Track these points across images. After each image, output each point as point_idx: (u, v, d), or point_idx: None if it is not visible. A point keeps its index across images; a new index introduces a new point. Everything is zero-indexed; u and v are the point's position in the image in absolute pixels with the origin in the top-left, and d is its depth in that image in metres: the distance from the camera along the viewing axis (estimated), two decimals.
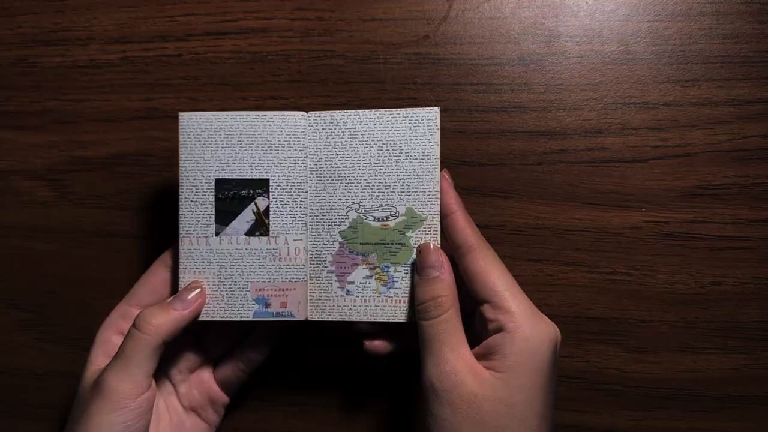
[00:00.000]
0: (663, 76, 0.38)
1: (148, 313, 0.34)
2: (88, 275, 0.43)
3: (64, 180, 0.43)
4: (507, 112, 0.39)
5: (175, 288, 0.36)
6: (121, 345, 0.34)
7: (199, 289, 0.35)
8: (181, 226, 0.36)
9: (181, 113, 0.35)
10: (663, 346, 0.38)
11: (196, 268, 0.35)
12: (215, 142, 0.35)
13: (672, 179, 0.38)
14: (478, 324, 0.33)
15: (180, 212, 0.36)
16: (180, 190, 0.36)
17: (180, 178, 0.36)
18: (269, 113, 0.35)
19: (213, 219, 0.35)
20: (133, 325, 0.33)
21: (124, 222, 0.42)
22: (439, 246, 0.34)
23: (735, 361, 0.38)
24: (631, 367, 0.39)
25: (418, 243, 0.34)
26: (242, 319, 0.35)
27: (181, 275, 0.35)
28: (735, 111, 0.37)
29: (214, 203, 0.35)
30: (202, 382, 0.38)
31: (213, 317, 0.35)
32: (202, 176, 0.35)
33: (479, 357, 0.31)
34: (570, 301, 0.39)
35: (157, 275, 0.37)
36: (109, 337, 0.36)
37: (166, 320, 0.33)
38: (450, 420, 0.30)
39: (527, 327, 0.30)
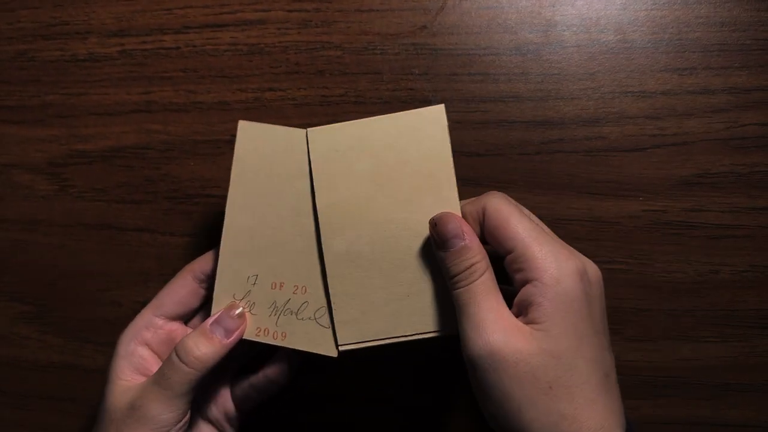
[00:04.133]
0: (660, 65, 0.38)
1: (191, 343, 0.33)
2: (88, 268, 0.43)
3: (64, 173, 0.43)
4: (504, 102, 0.39)
5: (209, 304, 0.35)
6: (162, 372, 0.33)
7: (240, 310, 0.34)
8: (225, 233, 0.34)
9: (240, 122, 0.34)
10: (661, 335, 0.38)
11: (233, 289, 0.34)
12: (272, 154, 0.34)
13: (670, 168, 0.38)
14: (510, 279, 0.31)
15: (225, 218, 0.34)
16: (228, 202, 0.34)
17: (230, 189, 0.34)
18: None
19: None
20: (176, 353, 0.33)
21: (124, 215, 0.42)
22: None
23: (733, 349, 0.38)
24: (630, 355, 0.39)
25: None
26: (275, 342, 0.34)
27: (216, 292, 0.34)
28: (732, 99, 0.37)
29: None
30: (218, 397, 0.37)
31: (248, 336, 0.34)
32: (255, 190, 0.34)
33: (518, 315, 0.29)
34: None
35: (185, 286, 0.36)
36: (134, 349, 0.35)
37: (210, 351, 0.33)
38: (499, 386, 0.28)
39: (553, 269, 0.28)
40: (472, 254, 0.30)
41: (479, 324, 0.29)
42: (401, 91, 0.40)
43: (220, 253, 0.34)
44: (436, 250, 0.31)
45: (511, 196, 0.38)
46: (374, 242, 0.33)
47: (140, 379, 0.34)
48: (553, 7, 0.38)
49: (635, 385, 0.39)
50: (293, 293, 0.34)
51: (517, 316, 0.29)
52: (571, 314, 0.28)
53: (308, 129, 0.33)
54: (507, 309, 0.29)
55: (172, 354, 0.33)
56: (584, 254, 0.38)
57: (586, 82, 0.38)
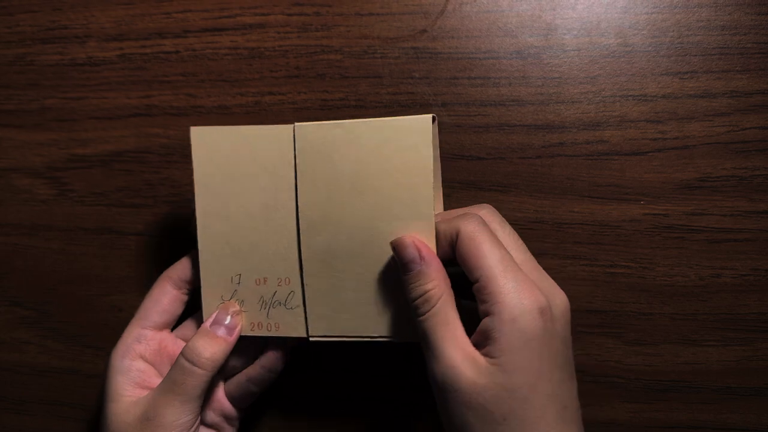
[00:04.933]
0: (661, 69, 0.38)
1: (199, 345, 0.33)
2: (88, 272, 0.43)
3: (63, 178, 0.43)
4: (505, 106, 0.39)
5: (194, 309, 0.36)
6: (173, 379, 0.33)
7: (236, 307, 0.35)
8: (200, 241, 0.35)
9: (192, 128, 0.34)
10: (663, 339, 0.38)
11: (218, 284, 0.35)
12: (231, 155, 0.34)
13: (671, 172, 0.38)
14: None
15: (198, 226, 0.35)
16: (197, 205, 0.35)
17: (196, 192, 0.35)
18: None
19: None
20: (186, 358, 0.33)
21: (123, 219, 0.42)
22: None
23: (734, 352, 0.38)
24: (631, 359, 0.39)
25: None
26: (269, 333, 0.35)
27: (204, 296, 0.35)
28: (733, 103, 0.37)
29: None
30: (213, 401, 0.37)
31: (244, 333, 0.35)
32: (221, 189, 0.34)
33: (477, 344, 0.30)
34: (569, 295, 0.38)
35: (166, 294, 0.36)
36: (130, 364, 0.35)
37: (218, 350, 0.34)
38: (458, 414, 0.29)
39: (513, 306, 0.28)
40: (427, 280, 0.30)
41: (437, 354, 0.29)
42: (401, 95, 0.39)
43: (200, 261, 0.35)
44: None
45: (512, 200, 0.39)
46: (350, 246, 0.33)
47: (143, 392, 0.35)
48: (554, 10, 0.38)
49: (636, 390, 0.39)
50: (278, 286, 0.35)
51: (476, 344, 0.30)
52: (527, 351, 0.28)
53: (296, 124, 0.33)
54: (465, 337, 0.30)
55: (180, 360, 0.33)
56: (586, 258, 0.38)
57: (587, 85, 0.38)
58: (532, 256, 0.32)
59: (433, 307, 0.30)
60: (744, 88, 0.37)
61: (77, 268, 0.43)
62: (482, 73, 0.39)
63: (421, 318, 0.30)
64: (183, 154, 0.42)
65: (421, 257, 0.31)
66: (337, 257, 0.33)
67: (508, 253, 0.30)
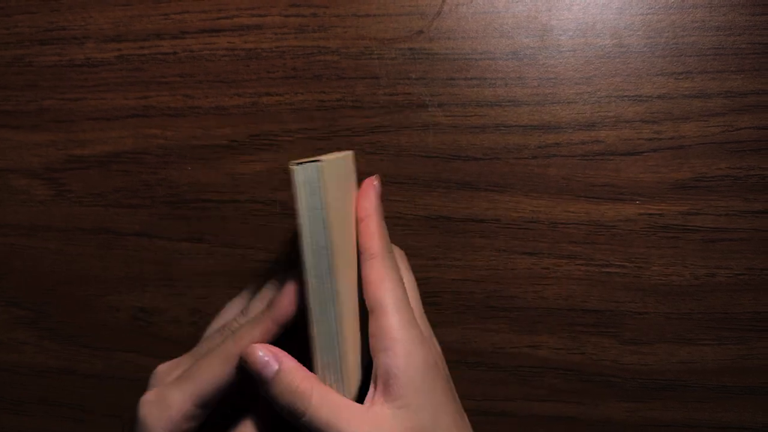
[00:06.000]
0: (656, 69, 0.38)
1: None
2: (86, 273, 0.43)
3: (61, 178, 0.43)
4: (501, 107, 0.39)
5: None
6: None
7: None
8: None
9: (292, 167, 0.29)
10: (658, 338, 0.39)
11: None
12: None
13: (666, 171, 0.38)
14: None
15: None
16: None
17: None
18: None
19: None
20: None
21: (121, 220, 0.42)
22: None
23: (729, 351, 0.38)
24: (627, 358, 0.39)
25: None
26: None
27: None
28: (728, 103, 0.38)
29: None
30: None
31: None
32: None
33: (381, 392, 0.29)
34: (565, 294, 0.39)
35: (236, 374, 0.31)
36: None
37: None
38: None
39: (406, 341, 0.29)
40: (290, 384, 0.29)
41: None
42: (398, 96, 0.40)
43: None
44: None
45: (508, 200, 0.39)
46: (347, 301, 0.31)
47: None
48: (550, 11, 0.39)
49: (632, 389, 0.39)
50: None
51: (379, 391, 0.29)
52: (426, 385, 0.29)
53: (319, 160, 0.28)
54: (355, 407, 0.29)
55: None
56: (581, 258, 0.39)
57: (583, 86, 0.38)
58: (420, 301, 0.34)
59: (311, 401, 0.28)
60: (739, 88, 0.37)
61: (75, 268, 0.43)
62: (478, 74, 0.39)
63: (305, 419, 0.28)
64: (180, 155, 0.42)
65: (275, 359, 0.29)
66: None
67: (406, 295, 0.31)
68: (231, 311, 0.36)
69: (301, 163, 0.28)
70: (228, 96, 0.41)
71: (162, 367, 0.34)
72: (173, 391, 0.31)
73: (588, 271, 0.39)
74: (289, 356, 0.30)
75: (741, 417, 0.38)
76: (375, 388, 0.30)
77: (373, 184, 0.33)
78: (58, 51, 0.43)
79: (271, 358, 0.29)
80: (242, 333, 0.31)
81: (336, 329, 0.30)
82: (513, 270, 0.39)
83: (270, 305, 0.32)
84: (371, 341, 0.30)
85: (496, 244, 0.39)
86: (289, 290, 0.31)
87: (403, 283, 0.31)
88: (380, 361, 0.29)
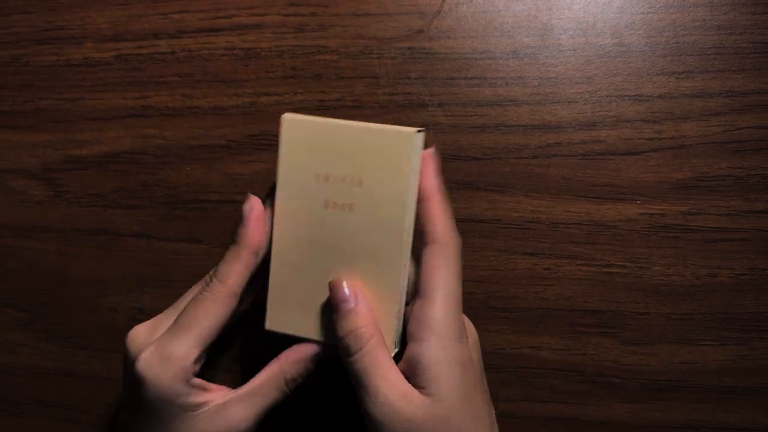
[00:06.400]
0: (657, 68, 0.38)
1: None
2: (84, 274, 0.43)
3: (59, 179, 0.43)
4: (501, 106, 0.39)
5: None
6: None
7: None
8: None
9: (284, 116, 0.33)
10: (659, 338, 0.38)
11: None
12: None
13: (667, 171, 0.38)
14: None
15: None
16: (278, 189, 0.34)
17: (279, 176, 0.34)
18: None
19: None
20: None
21: (119, 220, 0.42)
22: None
23: (731, 352, 0.38)
24: (628, 359, 0.39)
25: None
26: None
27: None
28: (729, 102, 0.37)
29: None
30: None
31: None
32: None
33: (407, 375, 0.31)
34: (566, 294, 0.39)
35: (229, 310, 0.33)
36: (189, 393, 0.32)
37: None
38: None
39: (441, 335, 0.30)
40: (358, 320, 0.31)
41: (371, 393, 0.30)
42: (398, 96, 0.39)
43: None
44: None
45: (508, 200, 0.39)
46: (318, 252, 0.33)
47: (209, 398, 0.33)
48: (550, 10, 0.38)
49: (633, 389, 0.39)
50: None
51: (408, 375, 0.31)
52: (454, 378, 0.30)
53: (285, 114, 0.33)
54: (398, 374, 0.31)
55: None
56: (582, 258, 0.39)
57: (583, 85, 0.38)
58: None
59: (363, 346, 0.31)
60: (740, 87, 0.37)
61: (73, 269, 0.43)
62: (479, 74, 0.39)
63: (351, 358, 0.31)
64: (179, 155, 0.41)
65: (355, 298, 0.32)
66: (303, 256, 0.33)
67: (459, 287, 0.32)
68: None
69: (419, 131, 0.32)
70: (227, 96, 0.41)
71: (139, 331, 0.34)
72: (174, 344, 0.32)
73: (589, 271, 0.39)
74: (367, 300, 0.32)
75: (743, 417, 0.38)
76: (404, 367, 0.31)
77: (432, 159, 0.32)
78: (56, 51, 0.43)
79: (351, 296, 0.32)
80: (224, 272, 0.33)
81: (401, 289, 0.32)
82: (513, 270, 0.39)
83: (239, 239, 0.33)
84: (411, 323, 0.31)
85: (496, 244, 0.39)
86: (255, 220, 0.33)
87: (460, 275, 0.32)
88: (414, 348, 0.31)
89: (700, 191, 0.38)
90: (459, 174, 0.39)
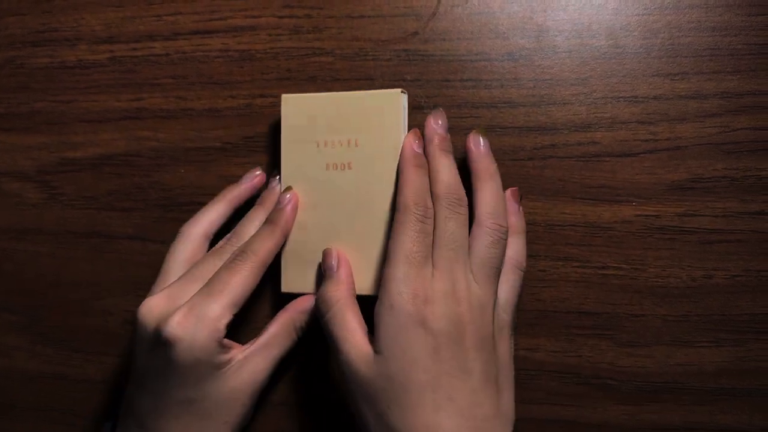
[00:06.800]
0: (652, 70, 0.38)
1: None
2: (78, 277, 0.43)
3: (53, 181, 0.43)
4: (497, 108, 0.39)
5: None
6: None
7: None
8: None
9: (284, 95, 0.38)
10: (655, 340, 0.38)
11: None
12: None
13: (662, 173, 0.38)
14: None
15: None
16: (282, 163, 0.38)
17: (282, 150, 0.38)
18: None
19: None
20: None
21: (114, 223, 0.42)
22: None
23: (727, 353, 0.38)
24: (624, 361, 0.39)
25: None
26: None
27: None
28: (724, 104, 0.37)
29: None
30: None
31: None
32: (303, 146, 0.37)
33: (371, 333, 0.33)
34: (562, 296, 0.39)
35: (257, 280, 0.36)
36: (222, 359, 0.34)
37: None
38: (354, 404, 0.32)
39: (393, 293, 0.31)
40: (330, 286, 0.34)
41: (335, 349, 0.33)
42: None
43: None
44: None
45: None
46: (323, 213, 0.37)
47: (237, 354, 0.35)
48: (545, 12, 0.38)
49: (629, 391, 0.39)
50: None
51: (370, 332, 0.33)
52: (401, 338, 0.31)
53: (284, 95, 0.38)
54: (362, 335, 0.33)
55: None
56: (578, 260, 0.38)
57: (579, 87, 0.38)
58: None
59: (331, 308, 0.34)
60: (735, 89, 0.37)
61: (67, 272, 0.43)
62: (474, 76, 0.39)
63: (323, 319, 0.34)
64: (173, 157, 0.41)
65: (338, 266, 0.35)
66: (313, 223, 0.37)
67: (422, 251, 0.32)
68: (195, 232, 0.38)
69: (403, 92, 0.36)
70: (221, 98, 0.41)
71: (156, 301, 0.35)
72: (211, 305, 0.33)
73: (584, 273, 0.39)
74: (349, 267, 0.36)
75: (739, 419, 0.38)
76: (371, 326, 0.33)
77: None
78: (50, 53, 0.42)
79: (334, 265, 0.35)
80: (258, 246, 0.35)
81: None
82: None
83: (277, 220, 0.36)
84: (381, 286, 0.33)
85: None
86: (293, 208, 0.37)
87: (427, 238, 0.33)
88: (376, 307, 0.32)
89: (695, 193, 0.38)
90: None
